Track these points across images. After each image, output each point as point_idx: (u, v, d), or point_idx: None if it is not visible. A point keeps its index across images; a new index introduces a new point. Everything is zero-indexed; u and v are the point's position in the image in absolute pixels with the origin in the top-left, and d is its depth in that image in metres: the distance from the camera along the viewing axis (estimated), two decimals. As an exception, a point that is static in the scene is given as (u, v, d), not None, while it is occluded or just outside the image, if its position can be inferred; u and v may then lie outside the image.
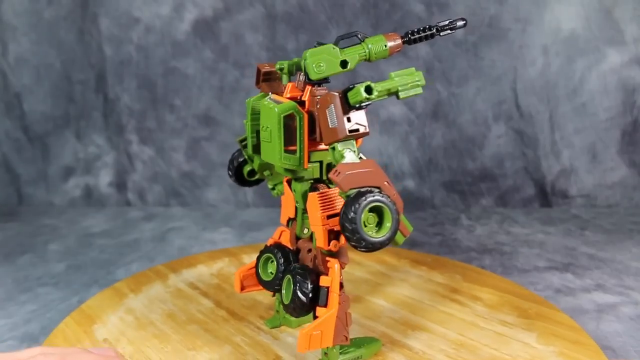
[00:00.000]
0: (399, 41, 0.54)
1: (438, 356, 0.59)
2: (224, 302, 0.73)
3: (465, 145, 1.28)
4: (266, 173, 0.63)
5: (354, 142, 0.51)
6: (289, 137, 0.52)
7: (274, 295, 0.64)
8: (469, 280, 0.77)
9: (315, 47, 0.52)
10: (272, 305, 0.70)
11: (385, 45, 0.53)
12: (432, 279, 0.78)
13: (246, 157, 0.63)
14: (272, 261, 0.60)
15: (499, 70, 1.25)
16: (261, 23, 1.25)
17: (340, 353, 0.55)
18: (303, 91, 0.54)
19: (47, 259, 0.95)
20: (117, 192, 1.33)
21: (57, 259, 0.95)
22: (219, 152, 1.31)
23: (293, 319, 0.64)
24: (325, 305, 0.52)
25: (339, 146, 0.50)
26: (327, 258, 0.53)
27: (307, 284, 0.53)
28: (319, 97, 0.52)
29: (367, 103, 0.50)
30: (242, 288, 0.65)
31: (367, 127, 0.51)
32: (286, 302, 0.55)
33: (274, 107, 0.51)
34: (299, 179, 0.56)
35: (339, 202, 0.53)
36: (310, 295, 0.53)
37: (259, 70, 0.59)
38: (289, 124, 0.51)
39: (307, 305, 0.53)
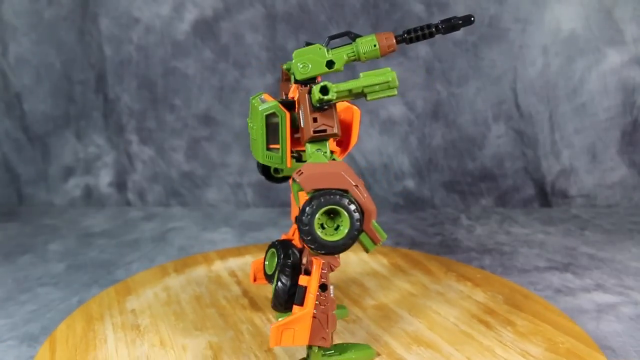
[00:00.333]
0: (392, 40, 0.51)
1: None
2: (251, 291, 0.75)
3: (465, 145, 1.29)
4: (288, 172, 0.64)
5: (327, 143, 0.51)
6: (274, 135, 0.53)
7: None
8: (510, 303, 0.71)
9: (304, 47, 0.52)
10: None
11: (375, 45, 0.51)
12: (472, 296, 0.73)
13: None
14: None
15: (499, 70, 1.25)
16: (261, 23, 1.25)
17: (323, 355, 0.55)
18: None
19: (47, 259, 0.95)
20: (117, 192, 1.33)
21: (57, 259, 0.95)
22: (219, 152, 1.31)
23: None
24: (301, 304, 0.52)
25: (309, 146, 0.51)
26: (312, 257, 0.53)
27: (288, 280, 0.54)
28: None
29: (328, 103, 0.49)
30: (255, 279, 0.68)
31: (335, 128, 0.50)
32: (271, 297, 0.56)
33: (257, 105, 0.53)
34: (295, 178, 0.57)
35: None
36: (289, 292, 0.54)
37: (282, 70, 0.61)
38: (273, 123, 0.52)
39: (286, 301, 0.54)
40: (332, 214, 0.49)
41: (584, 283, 0.82)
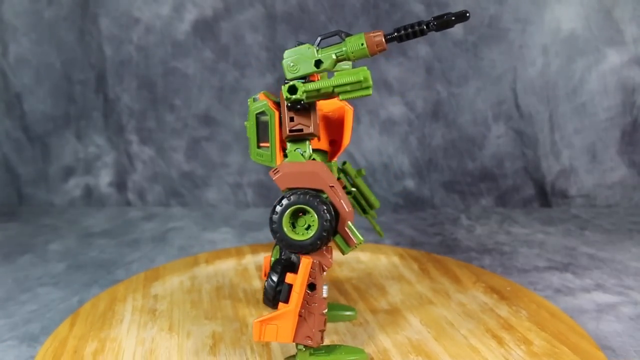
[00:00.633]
0: (380, 39, 0.49)
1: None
2: None
3: (465, 145, 1.29)
4: None
5: (307, 143, 0.51)
6: (264, 134, 0.53)
7: None
8: (533, 320, 0.66)
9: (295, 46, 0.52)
10: None
11: (362, 44, 0.49)
12: (494, 310, 0.69)
13: None
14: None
15: (499, 70, 1.25)
16: (261, 23, 1.25)
17: (311, 354, 0.55)
18: None
19: (47, 259, 0.95)
20: (117, 192, 1.33)
21: (57, 259, 0.95)
22: (219, 152, 1.31)
23: None
24: (286, 302, 0.53)
25: (288, 145, 0.51)
26: (302, 256, 0.53)
27: (275, 277, 0.54)
28: None
29: (300, 103, 0.49)
30: (265, 275, 0.68)
31: (312, 128, 0.49)
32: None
33: (250, 104, 0.54)
34: None
35: None
36: (277, 289, 0.54)
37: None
38: (263, 121, 0.53)
39: (274, 297, 0.54)
40: (302, 213, 0.49)
41: (584, 283, 0.82)
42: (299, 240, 0.48)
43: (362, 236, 0.49)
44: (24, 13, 1.26)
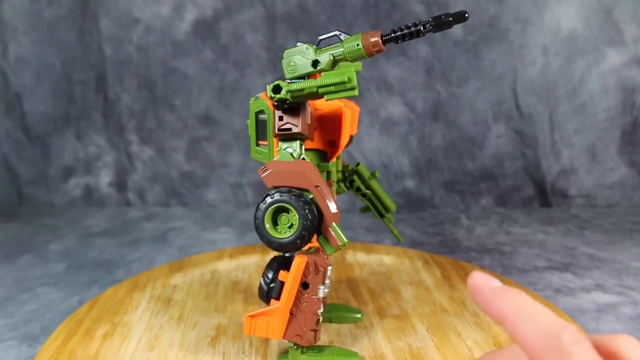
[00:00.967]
0: (376, 39, 0.49)
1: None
2: None
3: (465, 145, 1.29)
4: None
5: (298, 142, 0.51)
6: (262, 132, 0.54)
7: None
8: None
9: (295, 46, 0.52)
10: (328, 293, 0.74)
11: (358, 44, 0.49)
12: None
13: None
14: None
15: (499, 70, 1.25)
16: (261, 23, 1.25)
17: (303, 353, 0.55)
18: None
19: (47, 259, 0.95)
20: (117, 192, 1.33)
21: (57, 259, 0.95)
22: (219, 152, 1.31)
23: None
24: (277, 298, 0.53)
25: (280, 144, 0.51)
26: (298, 254, 0.54)
27: (270, 274, 0.55)
28: None
29: (286, 102, 0.49)
30: None
31: (299, 127, 0.49)
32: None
33: (252, 103, 0.54)
34: None
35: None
36: (271, 285, 0.54)
37: None
38: (262, 120, 0.53)
39: (267, 293, 0.55)
40: (286, 212, 0.49)
41: (583, 283, 0.82)
42: (279, 238, 0.49)
43: (347, 238, 0.49)
44: (24, 13, 1.26)
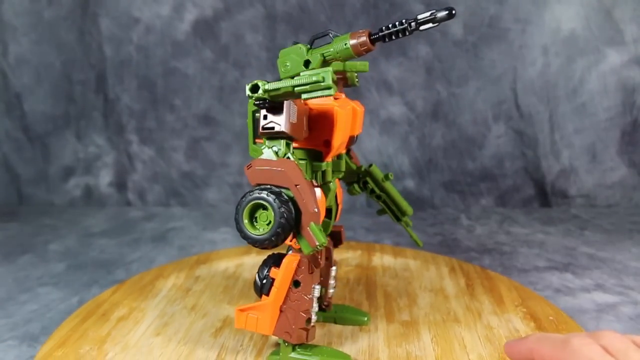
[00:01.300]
0: (364, 39, 0.49)
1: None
2: None
3: (465, 145, 1.29)
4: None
5: (282, 141, 0.51)
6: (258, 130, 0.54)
7: None
8: None
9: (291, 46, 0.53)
10: (343, 295, 0.74)
11: (346, 44, 0.49)
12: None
13: None
14: None
15: (499, 70, 1.25)
16: (261, 23, 1.25)
17: (293, 350, 0.56)
18: None
19: (47, 259, 0.95)
20: (117, 192, 1.33)
21: (57, 259, 0.95)
22: (219, 152, 1.31)
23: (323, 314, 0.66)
24: (267, 294, 0.54)
25: (267, 142, 0.51)
26: (290, 253, 0.54)
27: (265, 270, 0.55)
28: None
29: (265, 101, 0.49)
30: None
31: (282, 126, 0.49)
32: None
33: (250, 102, 0.54)
34: None
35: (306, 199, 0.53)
36: (264, 281, 0.55)
37: None
38: (258, 118, 0.53)
39: (260, 288, 0.55)
40: (264, 209, 0.50)
41: (583, 283, 0.82)
42: (254, 234, 0.49)
43: (325, 239, 0.48)
44: (24, 13, 1.26)
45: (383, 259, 0.89)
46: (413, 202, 1.28)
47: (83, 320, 0.68)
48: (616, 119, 1.25)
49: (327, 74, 0.46)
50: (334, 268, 0.63)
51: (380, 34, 0.49)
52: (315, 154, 0.55)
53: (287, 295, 0.54)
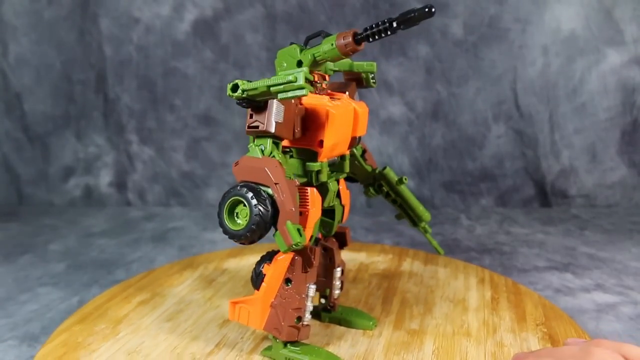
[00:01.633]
0: (349, 39, 0.48)
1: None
2: None
3: (465, 145, 1.29)
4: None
5: (268, 140, 0.51)
6: None
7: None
8: None
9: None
10: (358, 298, 0.74)
11: (332, 44, 0.49)
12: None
13: None
14: None
15: (499, 70, 1.25)
16: (261, 23, 1.25)
17: (285, 347, 0.56)
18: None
19: (47, 259, 0.95)
20: (117, 192, 1.33)
21: (57, 259, 0.95)
22: (219, 152, 1.31)
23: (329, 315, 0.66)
24: (257, 289, 0.55)
25: (255, 140, 0.52)
26: (288, 251, 0.54)
27: (260, 265, 0.56)
28: None
29: (245, 100, 0.49)
30: None
31: (265, 125, 0.50)
32: None
33: None
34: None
35: (302, 200, 0.54)
36: (259, 276, 0.56)
37: None
38: None
39: (254, 283, 0.56)
40: (244, 205, 0.50)
41: (583, 283, 0.82)
42: (233, 229, 0.50)
43: (300, 238, 0.48)
44: (24, 13, 1.26)
45: (412, 265, 0.86)
46: (413, 202, 1.28)
47: (106, 300, 0.73)
48: (616, 119, 1.25)
49: (300, 74, 0.46)
50: (338, 269, 0.63)
51: (364, 33, 0.49)
52: (311, 154, 0.55)
53: (278, 292, 0.54)
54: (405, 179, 0.65)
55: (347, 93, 0.59)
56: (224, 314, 0.68)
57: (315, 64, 0.51)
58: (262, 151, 0.51)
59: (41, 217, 1.22)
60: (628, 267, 0.88)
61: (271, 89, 0.47)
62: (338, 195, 0.60)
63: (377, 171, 0.66)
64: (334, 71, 0.59)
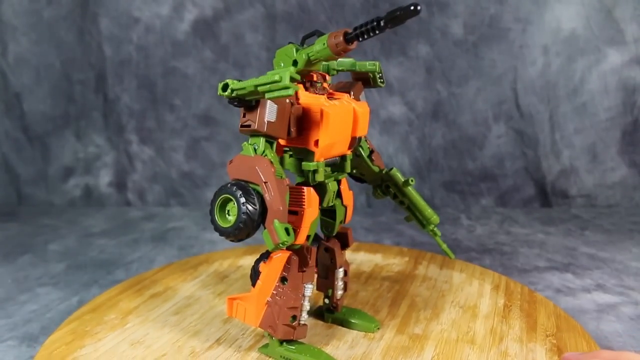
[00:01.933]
0: (339, 39, 0.48)
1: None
2: None
3: (465, 145, 1.28)
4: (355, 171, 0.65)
5: (262, 139, 0.52)
6: None
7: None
8: None
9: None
10: (366, 300, 0.73)
11: (324, 44, 0.49)
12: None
13: None
14: None
15: (499, 70, 1.25)
16: (261, 23, 1.25)
17: (280, 345, 0.56)
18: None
19: (47, 259, 0.95)
20: (117, 192, 1.33)
21: (57, 259, 0.95)
22: (219, 152, 1.31)
23: (331, 317, 0.66)
24: (253, 286, 0.55)
25: (250, 139, 0.53)
26: (282, 250, 0.55)
27: (258, 263, 0.56)
28: None
29: (236, 99, 0.50)
30: None
31: (257, 124, 0.51)
32: None
33: None
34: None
35: (297, 199, 0.54)
36: (256, 273, 0.56)
37: None
38: None
39: (254, 280, 0.56)
40: (234, 203, 0.51)
41: (584, 283, 0.82)
42: (222, 226, 0.50)
43: (288, 237, 0.48)
44: (24, 13, 1.26)
45: (428, 269, 0.85)
46: (413, 202, 1.28)
47: (120, 292, 0.75)
48: (617, 118, 1.25)
49: (285, 74, 0.46)
50: (340, 270, 0.63)
51: (354, 32, 0.49)
52: (308, 154, 0.55)
53: (273, 290, 0.54)
54: (412, 180, 0.64)
55: (351, 93, 0.58)
56: None
57: (309, 64, 0.51)
58: (255, 150, 0.51)
59: (41, 217, 1.22)
60: (629, 267, 0.88)
61: (258, 88, 0.48)
62: (339, 195, 0.59)
63: (384, 172, 0.65)
64: (338, 71, 0.59)
